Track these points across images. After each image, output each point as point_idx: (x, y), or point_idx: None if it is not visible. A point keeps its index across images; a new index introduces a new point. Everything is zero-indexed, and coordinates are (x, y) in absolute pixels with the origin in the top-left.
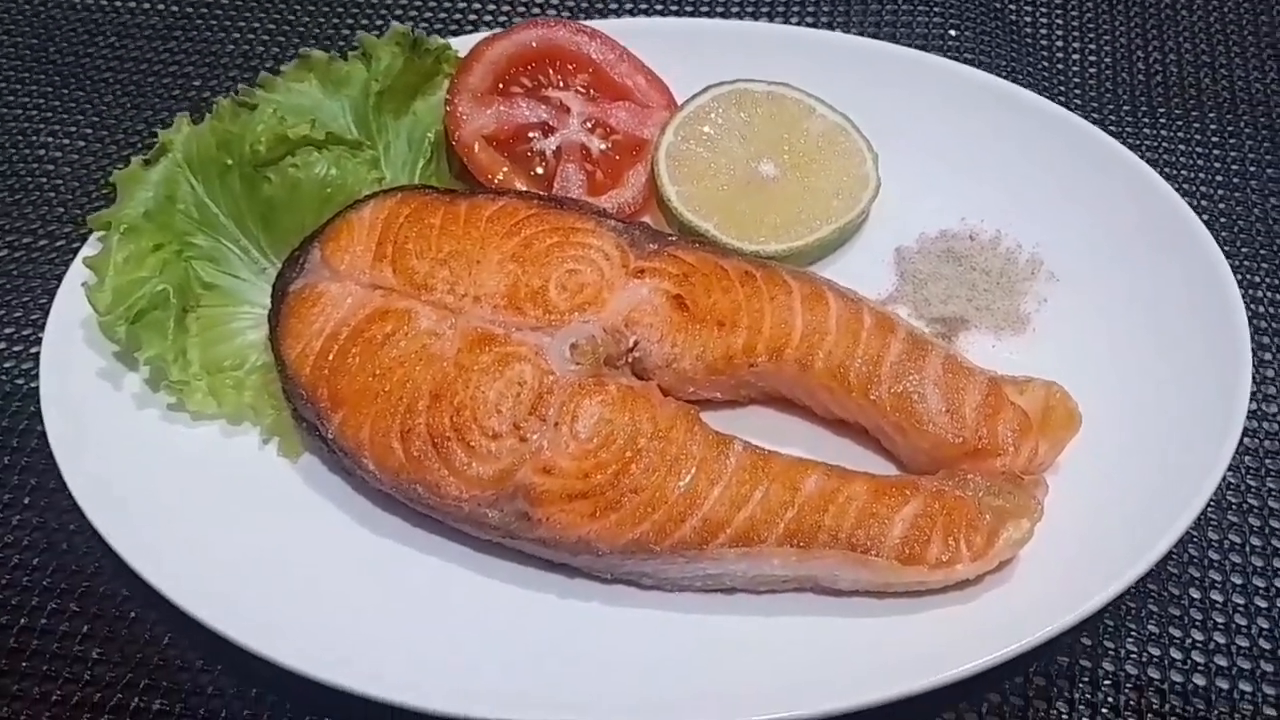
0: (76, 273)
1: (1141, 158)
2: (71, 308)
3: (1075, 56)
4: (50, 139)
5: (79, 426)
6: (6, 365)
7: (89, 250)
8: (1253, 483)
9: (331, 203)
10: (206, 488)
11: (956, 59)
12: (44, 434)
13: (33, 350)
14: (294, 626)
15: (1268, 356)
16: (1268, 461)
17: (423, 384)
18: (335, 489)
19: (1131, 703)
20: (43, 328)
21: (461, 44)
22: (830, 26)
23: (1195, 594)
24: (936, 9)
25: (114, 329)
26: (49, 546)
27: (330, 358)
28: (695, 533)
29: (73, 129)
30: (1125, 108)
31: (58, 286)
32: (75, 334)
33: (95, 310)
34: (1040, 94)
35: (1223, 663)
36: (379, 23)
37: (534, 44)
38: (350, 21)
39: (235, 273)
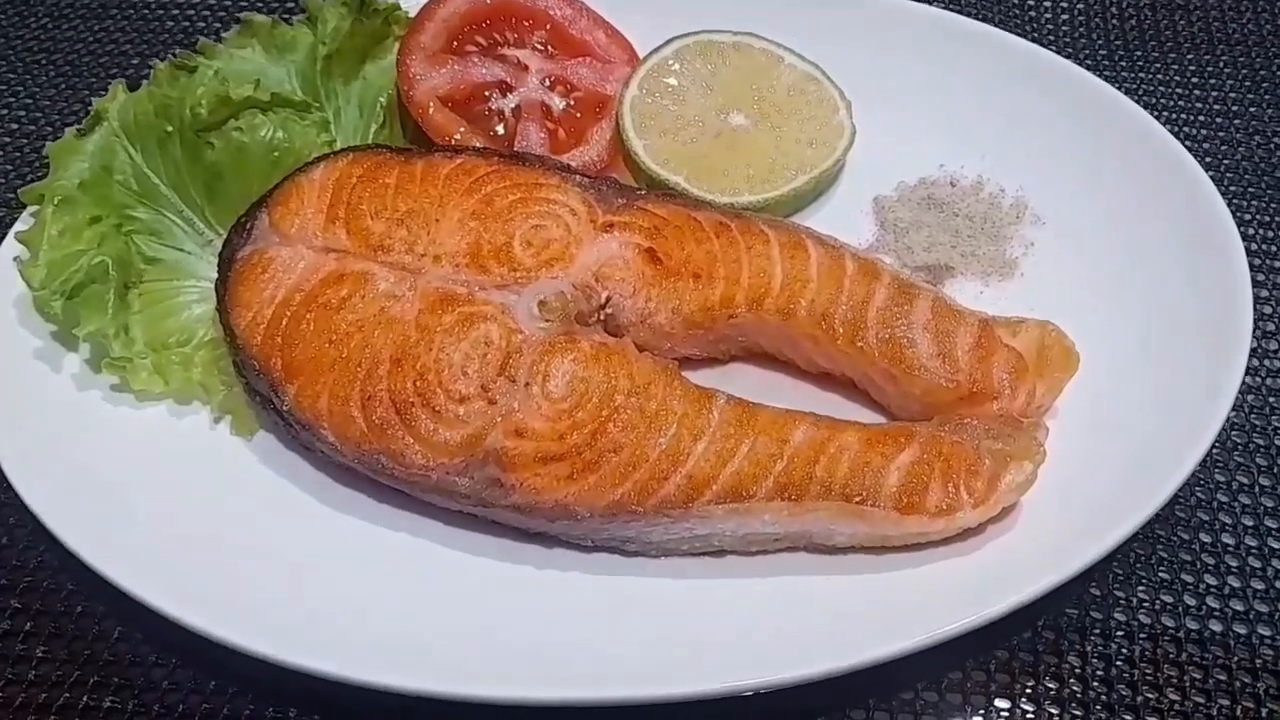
0: (8, 249)
1: None
2: (3, 287)
3: (1047, 2)
4: None
5: (15, 411)
6: None
7: (22, 226)
8: (1257, 421)
9: (279, 167)
10: (156, 472)
11: (928, 3)
12: None
13: None
14: (255, 610)
15: (1263, 294)
16: (1271, 400)
17: (383, 348)
18: (293, 467)
19: (1147, 653)
20: None
21: (411, 4)
22: None
23: (1206, 538)
24: None
25: (49, 304)
26: None
27: (283, 325)
28: (680, 490)
29: (4, 111)
30: (1101, 51)
31: None
32: (8, 314)
33: (29, 286)
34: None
35: (1239, 607)
36: None
37: (488, 1)
38: None
39: (179, 246)
